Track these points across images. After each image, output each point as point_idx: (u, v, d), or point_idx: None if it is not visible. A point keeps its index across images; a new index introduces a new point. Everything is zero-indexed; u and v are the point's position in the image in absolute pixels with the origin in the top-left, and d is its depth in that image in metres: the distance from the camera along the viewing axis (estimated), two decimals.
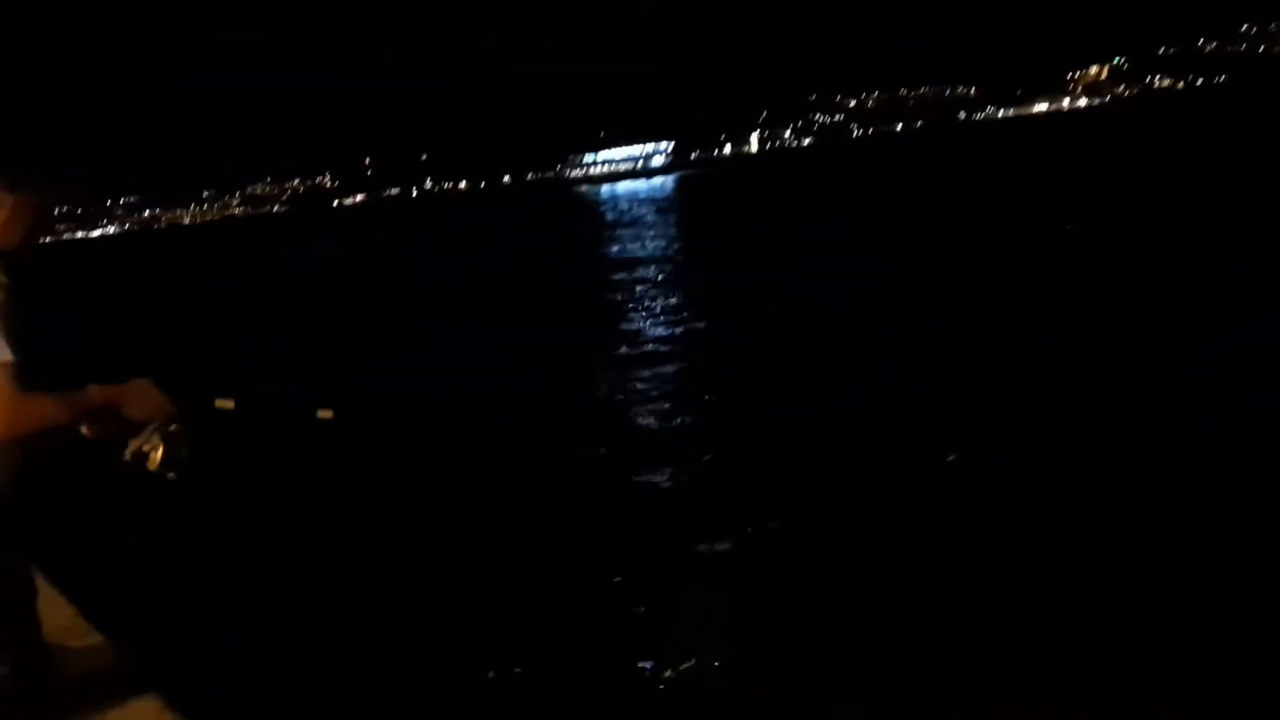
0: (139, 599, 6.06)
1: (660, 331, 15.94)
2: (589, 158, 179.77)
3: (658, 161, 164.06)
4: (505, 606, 6.07)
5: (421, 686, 5.27)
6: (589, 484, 8.48)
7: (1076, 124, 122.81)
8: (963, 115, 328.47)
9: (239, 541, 7.65)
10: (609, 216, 56.75)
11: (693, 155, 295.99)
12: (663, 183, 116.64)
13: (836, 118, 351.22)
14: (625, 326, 16.79)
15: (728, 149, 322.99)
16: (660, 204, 64.80)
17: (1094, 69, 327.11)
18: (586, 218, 60.86)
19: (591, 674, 5.28)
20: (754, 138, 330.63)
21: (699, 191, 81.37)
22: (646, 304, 19.24)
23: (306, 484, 8.72)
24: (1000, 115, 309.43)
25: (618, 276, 24.17)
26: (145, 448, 2.54)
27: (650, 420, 10.38)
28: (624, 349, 14.58)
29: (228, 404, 2.67)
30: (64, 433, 2.52)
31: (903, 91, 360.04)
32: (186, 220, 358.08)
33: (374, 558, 7.14)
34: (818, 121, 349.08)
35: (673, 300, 19.52)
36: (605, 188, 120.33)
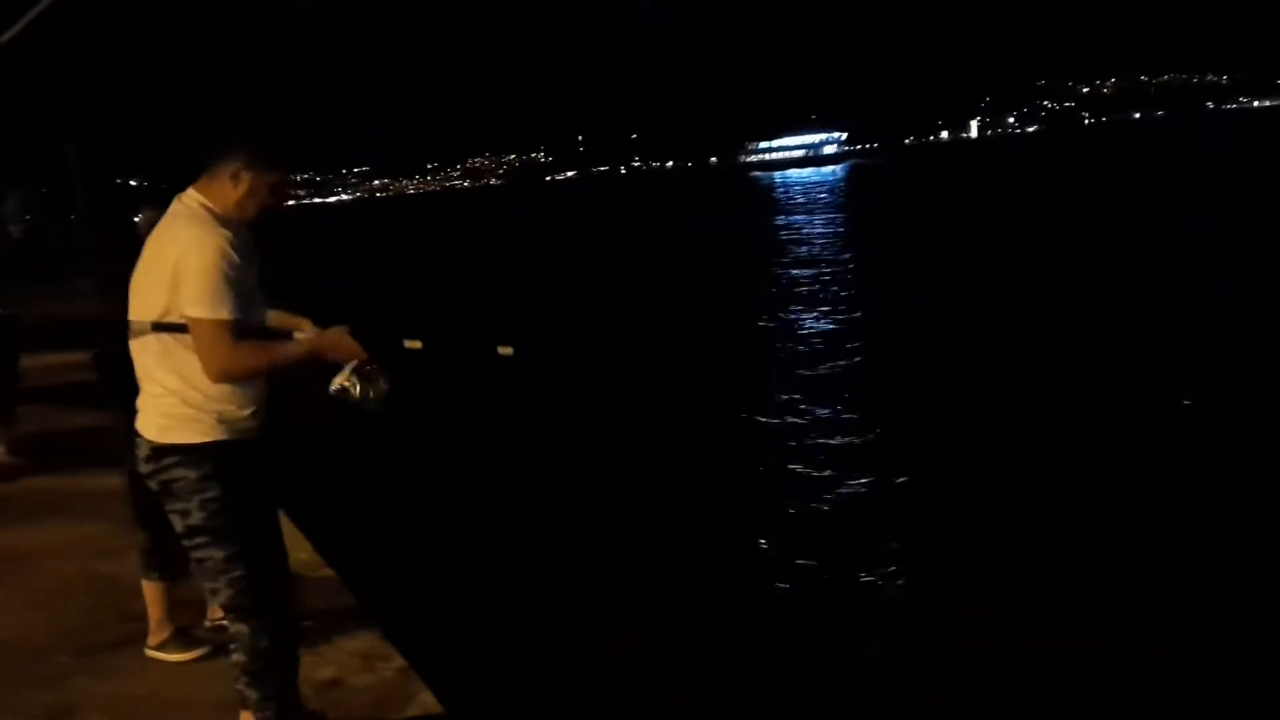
0: (365, 537, 6.79)
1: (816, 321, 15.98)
2: (764, 144, 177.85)
3: (830, 150, 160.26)
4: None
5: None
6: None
7: None
8: (1210, 105, 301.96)
9: (444, 476, 8.51)
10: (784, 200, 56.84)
11: (906, 140, 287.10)
12: (833, 170, 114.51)
13: (1066, 104, 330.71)
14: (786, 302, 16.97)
15: (944, 135, 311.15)
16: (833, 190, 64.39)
17: None
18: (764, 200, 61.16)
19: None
20: (974, 124, 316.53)
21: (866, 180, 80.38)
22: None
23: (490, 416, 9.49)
24: (1255, 105, 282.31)
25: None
26: (346, 384, 2.90)
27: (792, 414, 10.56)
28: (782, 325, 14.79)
29: (416, 344, 3.02)
30: (289, 377, 2.92)
31: (1143, 78, 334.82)
32: (410, 190, 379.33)
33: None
34: (1045, 107, 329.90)
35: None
36: (778, 174, 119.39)
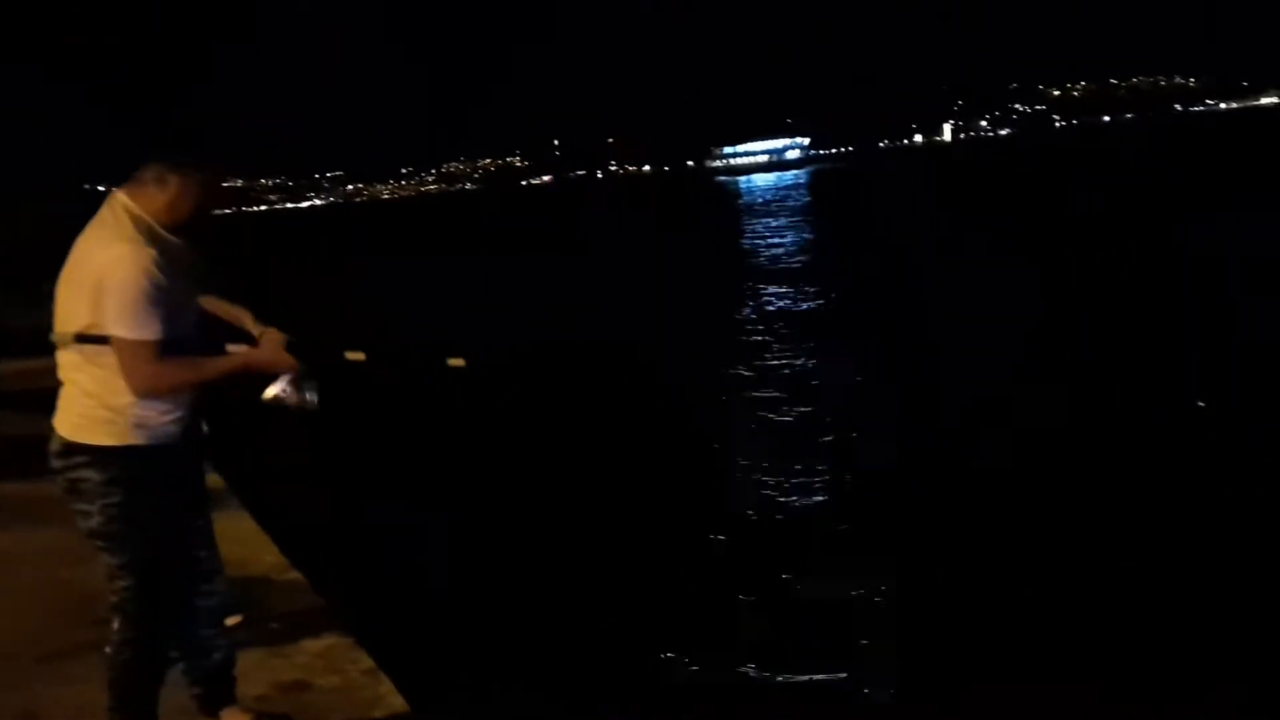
0: (334, 544, 6.77)
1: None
2: (729, 149, 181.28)
3: (793, 155, 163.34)
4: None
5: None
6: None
7: None
8: (1179, 108, 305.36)
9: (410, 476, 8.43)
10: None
11: (880, 144, 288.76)
12: (795, 175, 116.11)
13: (1038, 107, 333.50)
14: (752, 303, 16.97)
15: (919, 139, 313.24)
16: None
17: None
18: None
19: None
20: (947, 127, 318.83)
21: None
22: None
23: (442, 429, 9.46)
24: (1222, 108, 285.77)
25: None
26: (280, 393, 2.93)
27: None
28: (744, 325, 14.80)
29: (358, 355, 2.98)
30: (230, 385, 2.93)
31: (1112, 81, 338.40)
32: (385, 195, 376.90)
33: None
34: (1017, 111, 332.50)
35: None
36: (742, 179, 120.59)
